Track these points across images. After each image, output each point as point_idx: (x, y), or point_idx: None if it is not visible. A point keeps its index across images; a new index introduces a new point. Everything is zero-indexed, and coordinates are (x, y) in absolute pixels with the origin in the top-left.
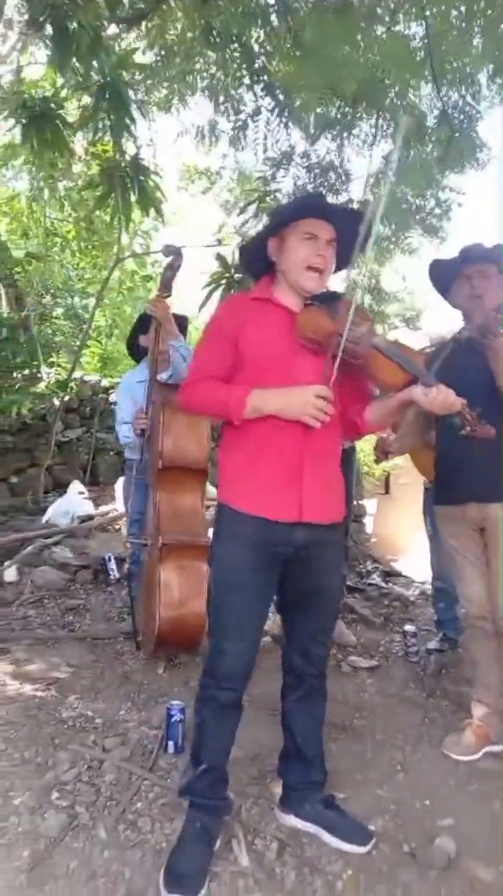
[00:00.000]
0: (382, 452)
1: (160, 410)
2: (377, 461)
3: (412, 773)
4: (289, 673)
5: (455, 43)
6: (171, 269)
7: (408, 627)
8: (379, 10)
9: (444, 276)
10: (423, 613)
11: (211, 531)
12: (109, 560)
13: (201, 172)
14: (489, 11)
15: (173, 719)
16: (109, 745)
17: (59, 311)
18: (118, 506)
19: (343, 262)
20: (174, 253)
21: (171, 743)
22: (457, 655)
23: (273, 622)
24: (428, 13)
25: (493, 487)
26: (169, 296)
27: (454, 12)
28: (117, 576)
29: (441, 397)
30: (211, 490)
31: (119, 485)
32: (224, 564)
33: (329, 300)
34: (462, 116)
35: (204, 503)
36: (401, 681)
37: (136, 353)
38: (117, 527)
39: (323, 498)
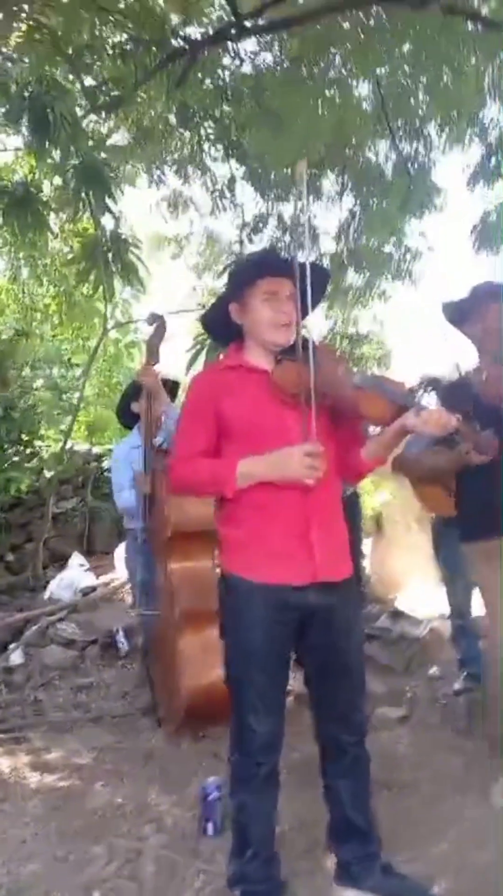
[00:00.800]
0: None
1: (162, 478)
2: None
3: (467, 826)
4: (329, 745)
5: (404, 100)
6: (157, 337)
7: (432, 671)
8: (334, 73)
9: (459, 311)
10: (442, 652)
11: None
12: (118, 633)
13: (170, 239)
14: (431, 68)
15: (209, 798)
16: (145, 832)
17: (38, 382)
18: (119, 574)
19: (305, 310)
20: (157, 320)
21: (209, 824)
22: (486, 692)
23: (293, 679)
24: (378, 72)
25: None
26: (156, 363)
27: (399, 71)
28: (127, 648)
29: (435, 417)
30: None
31: (119, 551)
32: (239, 639)
33: (296, 351)
34: (416, 166)
35: (215, 565)
36: (434, 727)
37: (128, 420)
38: (120, 596)
39: (333, 555)
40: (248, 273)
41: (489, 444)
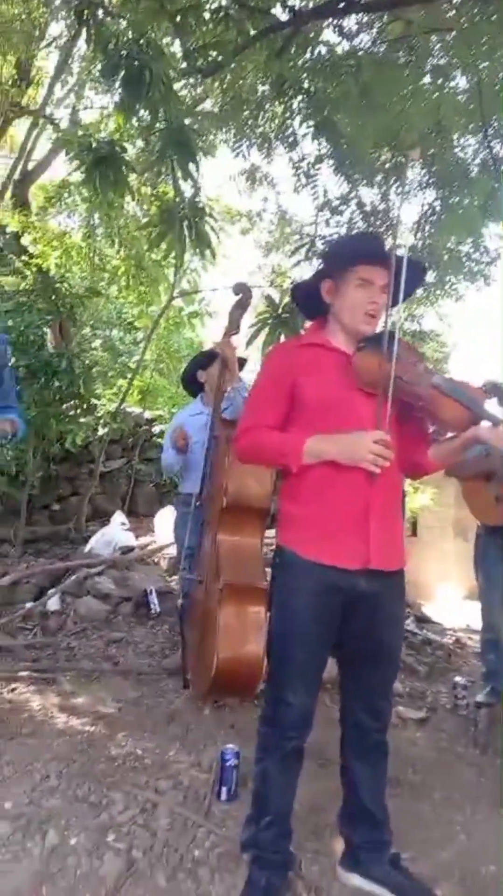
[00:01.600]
0: None
1: (225, 448)
2: None
3: (475, 836)
4: (353, 728)
5: (501, 98)
6: (240, 308)
7: (458, 679)
8: (434, 61)
9: None
10: (466, 663)
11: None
12: (151, 593)
13: (242, 214)
14: None
15: (227, 763)
16: (162, 787)
17: (96, 342)
18: (157, 538)
19: (393, 302)
20: (243, 291)
21: (224, 789)
22: None
23: None
24: (479, 69)
25: None
26: (237, 333)
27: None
28: (158, 609)
29: None
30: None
31: (159, 517)
32: (286, 614)
33: (380, 341)
34: None
35: (263, 544)
36: (452, 735)
37: (193, 387)
38: (156, 559)
39: (388, 545)
40: (348, 255)
41: None
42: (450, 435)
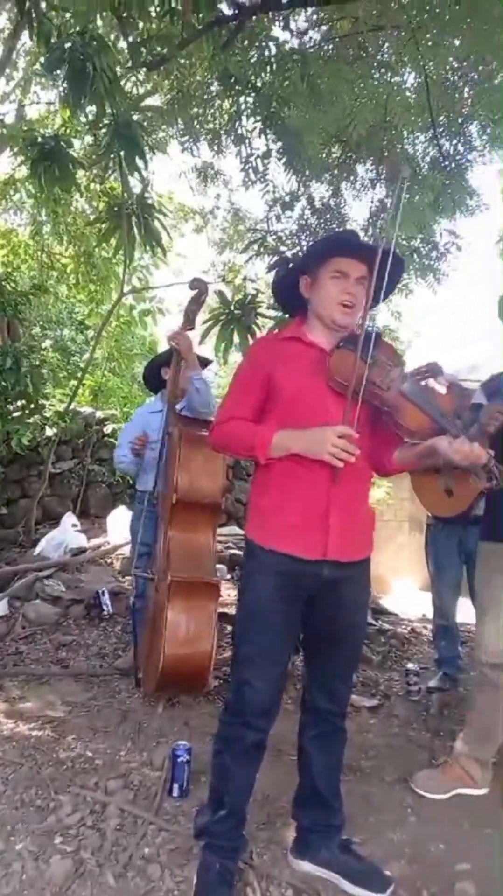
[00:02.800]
0: None
1: (177, 444)
2: None
3: (424, 817)
4: (311, 711)
5: (449, 95)
6: (196, 303)
7: (410, 666)
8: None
9: None
10: (420, 651)
11: (219, 568)
12: (103, 594)
13: (195, 212)
14: (480, 67)
15: (179, 760)
16: (112, 787)
17: (46, 342)
18: (110, 538)
19: (376, 299)
20: (200, 286)
21: (175, 785)
22: (459, 694)
23: None
24: (426, 66)
25: None
26: (192, 329)
27: (448, 67)
28: (111, 611)
29: (465, 449)
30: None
31: (112, 517)
32: (251, 597)
33: (359, 342)
34: (453, 165)
35: (215, 540)
36: (404, 720)
37: (155, 384)
38: (109, 560)
39: (349, 537)
40: (323, 249)
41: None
42: (412, 442)
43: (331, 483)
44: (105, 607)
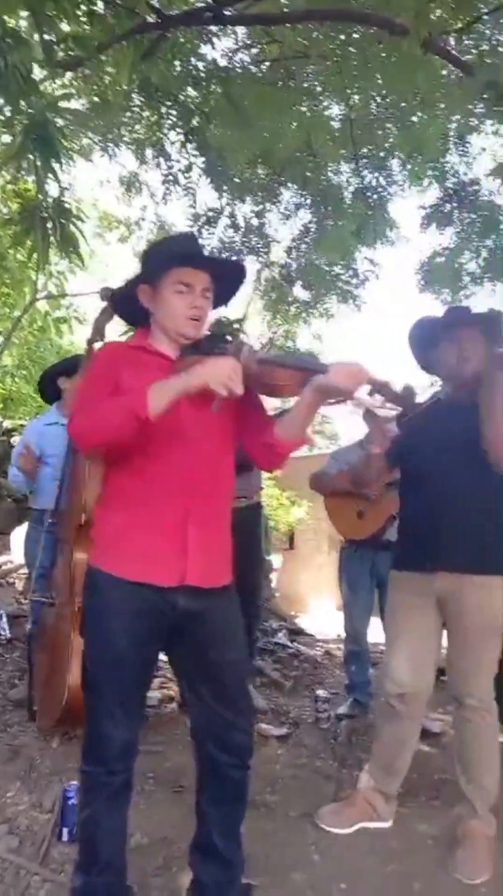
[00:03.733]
0: None
1: (84, 462)
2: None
3: (328, 854)
4: (206, 762)
5: (372, 129)
6: (107, 314)
7: (320, 692)
8: (305, 85)
9: (428, 336)
10: (332, 675)
11: None
12: (1, 618)
13: (120, 222)
14: (402, 104)
15: (70, 802)
16: None
17: None
18: (14, 557)
19: (220, 301)
20: (110, 297)
21: (65, 830)
22: (369, 721)
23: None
24: (351, 99)
25: (472, 556)
26: (101, 341)
27: (373, 102)
28: (9, 635)
29: (344, 370)
30: None
31: (16, 534)
32: (101, 639)
33: (201, 344)
34: (376, 196)
35: None
36: (312, 750)
37: (50, 393)
38: (11, 580)
39: (210, 557)
40: (163, 259)
41: (406, 401)
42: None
43: (185, 498)
44: (2, 631)
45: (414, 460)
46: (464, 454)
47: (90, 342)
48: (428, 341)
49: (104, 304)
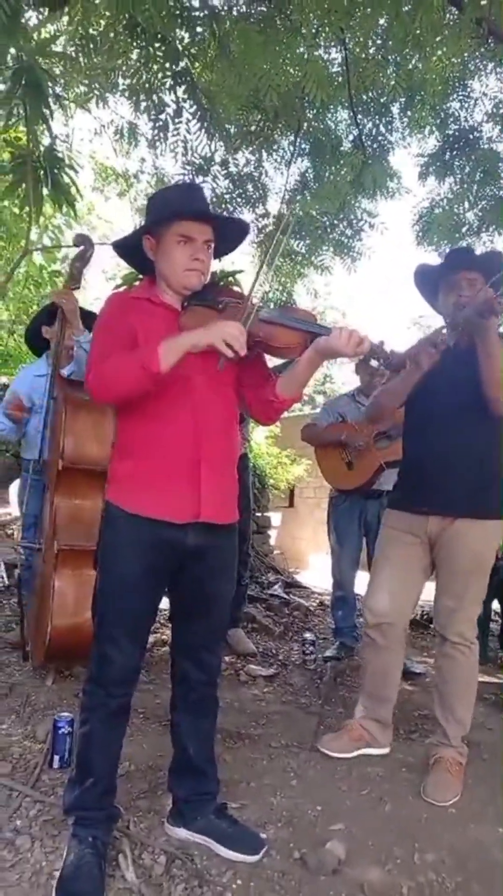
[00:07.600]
0: None
1: (63, 408)
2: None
3: (305, 780)
4: (180, 683)
5: (371, 73)
6: (81, 260)
7: (307, 635)
8: (303, 30)
9: (430, 282)
10: (322, 622)
11: None
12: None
13: (118, 175)
14: (401, 47)
15: (60, 731)
16: None
17: None
18: (12, 509)
19: (221, 253)
20: (85, 243)
21: (56, 757)
22: (354, 663)
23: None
24: (348, 41)
25: (467, 500)
26: (77, 287)
27: (371, 43)
28: (6, 583)
29: (345, 334)
30: None
31: (14, 487)
32: (113, 570)
33: (204, 295)
34: (375, 145)
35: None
36: (298, 688)
37: (37, 345)
38: (10, 531)
39: (221, 496)
40: (165, 211)
41: (399, 360)
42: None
43: (200, 442)
44: (1, 579)
45: (418, 404)
46: (467, 399)
47: (66, 287)
48: (430, 288)
49: (79, 248)
